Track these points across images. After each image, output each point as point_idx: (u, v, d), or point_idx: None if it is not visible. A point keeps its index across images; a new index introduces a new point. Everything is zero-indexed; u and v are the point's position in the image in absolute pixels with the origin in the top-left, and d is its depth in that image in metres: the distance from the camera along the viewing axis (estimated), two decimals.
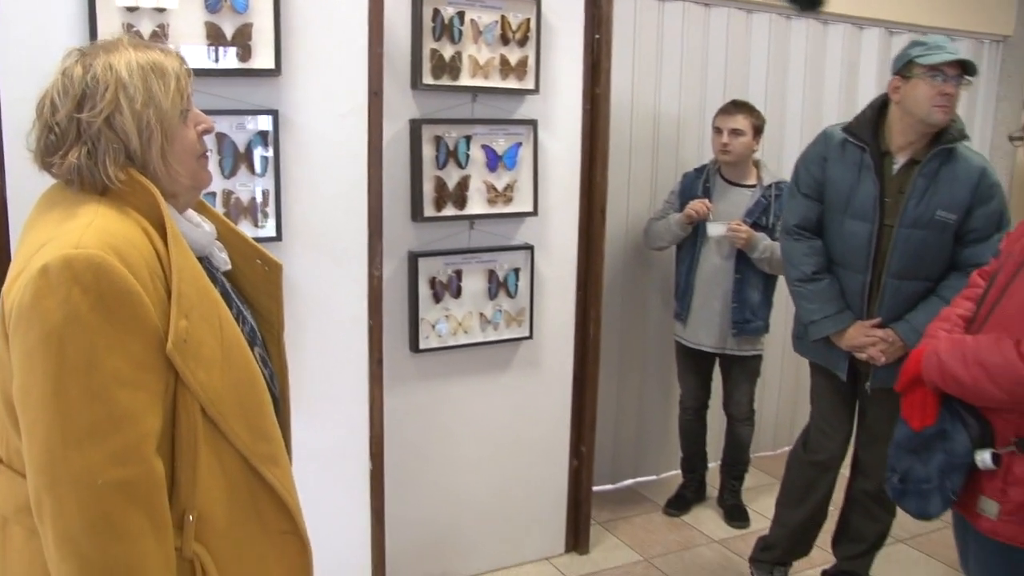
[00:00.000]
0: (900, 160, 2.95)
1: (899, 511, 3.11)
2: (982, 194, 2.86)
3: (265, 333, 1.69)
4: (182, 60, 1.49)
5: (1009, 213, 2.96)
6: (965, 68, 2.84)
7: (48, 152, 1.40)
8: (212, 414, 1.39)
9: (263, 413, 1.49)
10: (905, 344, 2.89)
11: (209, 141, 1.67)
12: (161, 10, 2.27)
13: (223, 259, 1.59)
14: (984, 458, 2.06)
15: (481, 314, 3.31)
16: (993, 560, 2.15)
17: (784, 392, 4.87)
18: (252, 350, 1.52)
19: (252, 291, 1.65)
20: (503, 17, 3.11)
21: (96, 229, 1.30)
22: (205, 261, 1.53)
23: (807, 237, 3.11)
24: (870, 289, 2.99)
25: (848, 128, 3.04)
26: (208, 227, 1.56)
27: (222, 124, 2.51)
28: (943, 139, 2.89)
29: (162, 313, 1.33)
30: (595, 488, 3.89)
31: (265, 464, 1.48)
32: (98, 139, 1.37)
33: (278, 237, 2.68)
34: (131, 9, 2.25)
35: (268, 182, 2.42)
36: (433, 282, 3.18)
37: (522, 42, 3.17)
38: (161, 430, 1.35)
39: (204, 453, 1.40)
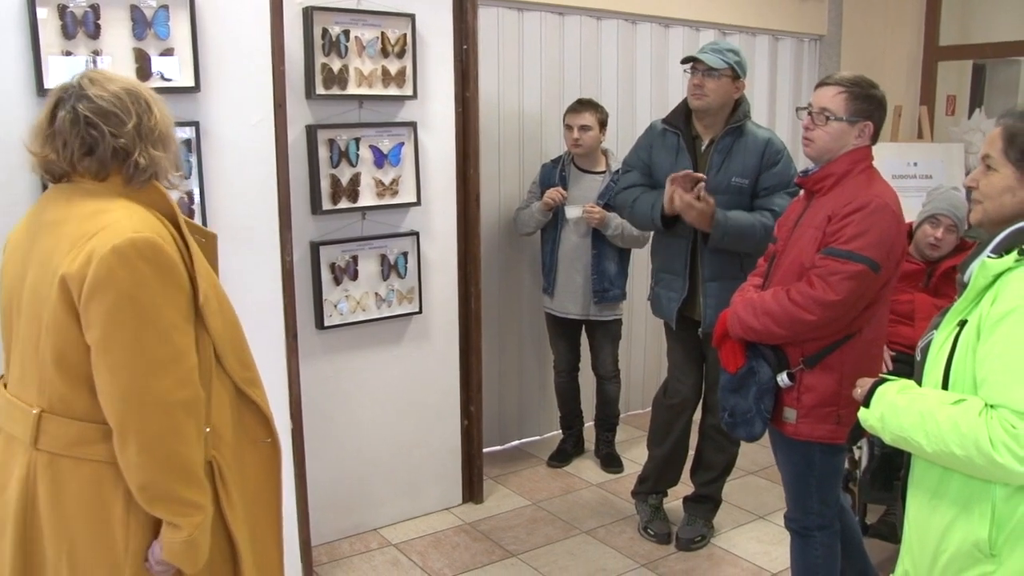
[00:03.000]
0: (706, 141, 3.51)
1: (744, 445, 3.71)
2: (768, 160, 3.41)
3: None
4: None
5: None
6: (698, 62, 3.40)
7: (86, 151, 1.75)
8: (219, 351, 1.83)
9: (245, 348, 1.94)
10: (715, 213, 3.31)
11: None
12: (95, 37, 2.58)
13: None
14: (783, 378, 2.65)
15: (376, 293, 3.68)
16: (793, 454, 2.77)
17: (649, 359, 5.38)
18: None
19: None
20: (383, 33, 3.48)
21: (139, 220, 1.72)
22: None
23: (630, 189, 3.63)
24: (692, 247, 3.50)
25: (666, 119, 3.60)
26: None
27: None
28: (732, 120, 3.44)
29: (188, 280, 1.76)
30: (485, 449, 4.26)
31: (249, 386, 1.92)
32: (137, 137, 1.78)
33: None
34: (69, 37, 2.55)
35: (193, 184, 2.76)
36: (333, 267, 3.54)
37: (400, 54, 3.54)
38: None
39: (215, 382, 1.83)
